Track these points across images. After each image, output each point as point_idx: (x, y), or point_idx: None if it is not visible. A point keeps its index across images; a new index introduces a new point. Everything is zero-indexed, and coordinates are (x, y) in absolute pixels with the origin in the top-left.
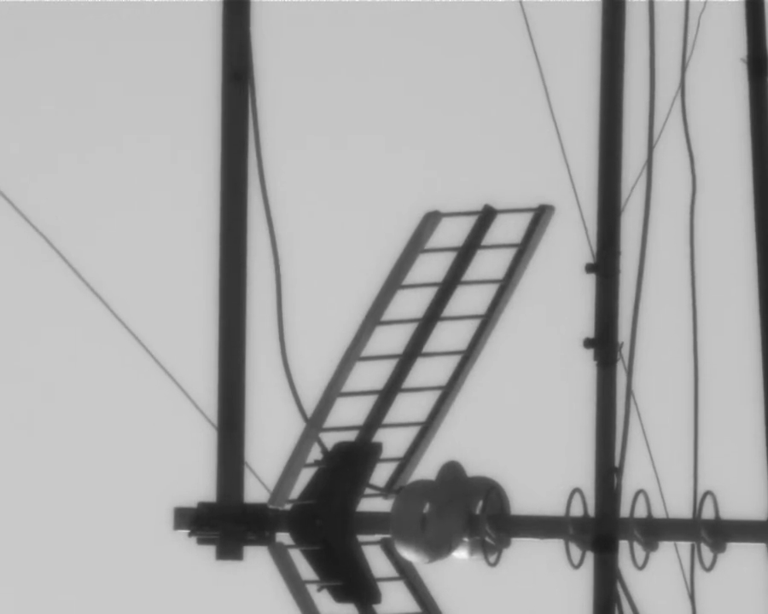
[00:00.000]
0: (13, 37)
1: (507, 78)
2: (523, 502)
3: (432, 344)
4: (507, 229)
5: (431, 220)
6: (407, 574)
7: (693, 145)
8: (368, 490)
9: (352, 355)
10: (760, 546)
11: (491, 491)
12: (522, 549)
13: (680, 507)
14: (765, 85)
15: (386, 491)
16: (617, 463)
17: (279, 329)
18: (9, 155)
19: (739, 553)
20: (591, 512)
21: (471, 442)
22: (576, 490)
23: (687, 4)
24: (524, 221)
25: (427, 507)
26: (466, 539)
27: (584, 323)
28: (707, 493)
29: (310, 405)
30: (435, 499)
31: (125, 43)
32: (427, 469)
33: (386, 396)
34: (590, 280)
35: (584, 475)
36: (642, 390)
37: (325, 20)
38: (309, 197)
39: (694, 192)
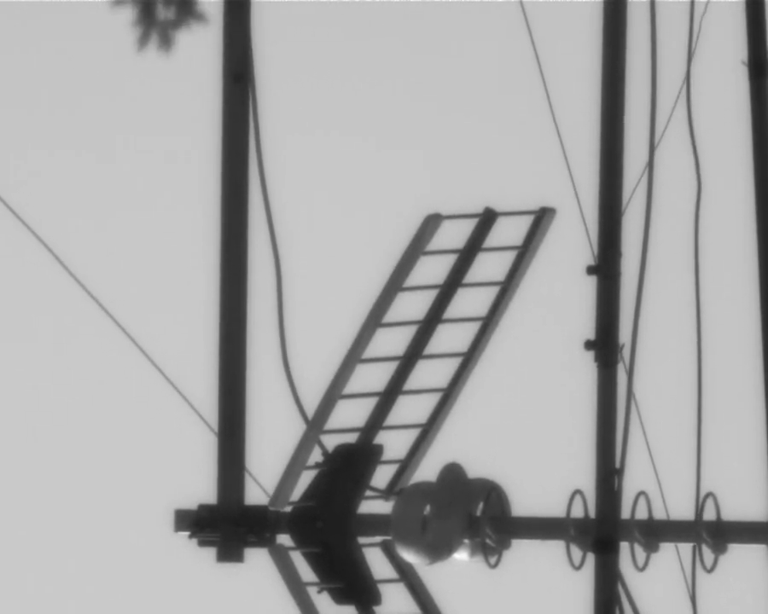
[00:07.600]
0: (12, 38)
1: (507, 78)
2: (524, 504)
3: (433, 346)
4: (508, 232)
5: (432, 222)
6: (407, 576)
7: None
8: (368, 492)
9: (353, 357)
10: (761, 547)
11: (491, 493)
12: (523, 551)
13: (681, 509)
14: (765, 87)
15: (386, 493)
16: (618, 464)
17: (280, 331)
18: (5, 155)
19: (740, 555)
20: (592, 513)
21: (472, 443)
22: (577, 492)
23: (691, 5)
24: (525, 223)
25: (427, 509)
26: (466, 541)
27: (585, 325)
28: (708, 494)
29: (310, 407)
30: (436, 501)
31: (124, 42)
32: (427, 471)
33: (387, 398)
34: (591, 282)
35: (584, 476)
36: (643, 392)
37: (325, 20)
38: (310, 199)
39: (699, 194)
